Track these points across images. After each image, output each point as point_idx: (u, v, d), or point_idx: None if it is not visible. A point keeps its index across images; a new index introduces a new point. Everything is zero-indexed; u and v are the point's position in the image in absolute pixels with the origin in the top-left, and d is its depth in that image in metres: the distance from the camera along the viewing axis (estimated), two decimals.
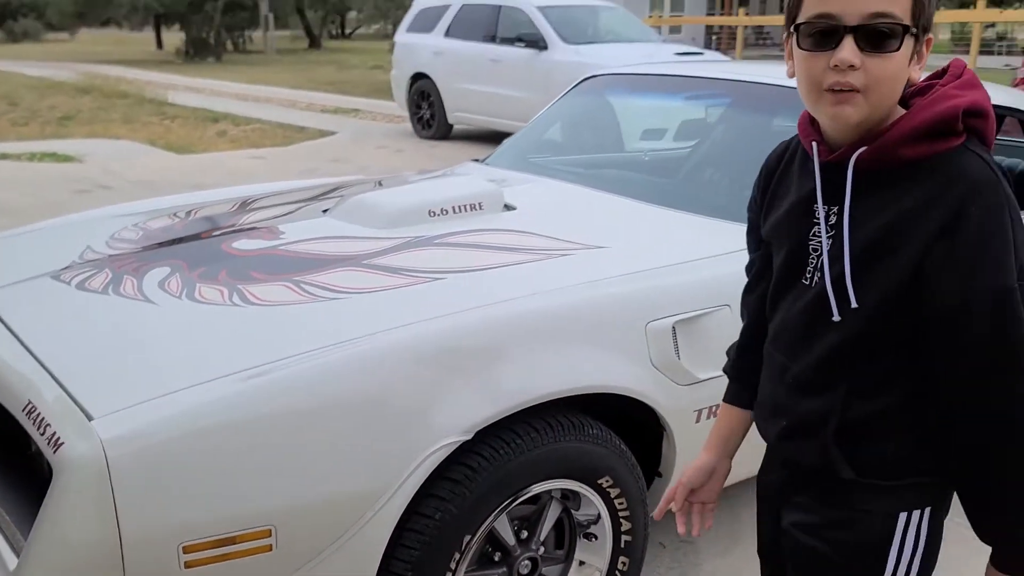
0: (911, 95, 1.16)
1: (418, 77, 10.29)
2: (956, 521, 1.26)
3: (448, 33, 10.04)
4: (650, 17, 18.47)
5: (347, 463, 1.58)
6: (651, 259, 2.12)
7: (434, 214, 2.37)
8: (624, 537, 2.02)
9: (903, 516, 1.18)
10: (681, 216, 2.45)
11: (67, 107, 13.54)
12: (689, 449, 2.07)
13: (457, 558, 1.72)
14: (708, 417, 2.06)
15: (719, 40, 21.00)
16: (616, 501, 1.96)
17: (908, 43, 1.09)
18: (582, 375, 1.81)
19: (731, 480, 2.10)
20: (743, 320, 1.44)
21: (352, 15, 36.60)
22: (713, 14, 26.70)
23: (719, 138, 2.94)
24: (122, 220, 2.54)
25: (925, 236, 1.09)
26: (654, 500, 2.17)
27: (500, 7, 9.61)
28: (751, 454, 1.44)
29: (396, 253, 2.11)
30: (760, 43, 29.94)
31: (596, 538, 2.02)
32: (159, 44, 31.54)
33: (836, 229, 1.16)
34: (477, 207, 2.43)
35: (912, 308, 1.12)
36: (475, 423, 1.66)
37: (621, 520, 2.00)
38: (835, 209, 1.16)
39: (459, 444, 1.65)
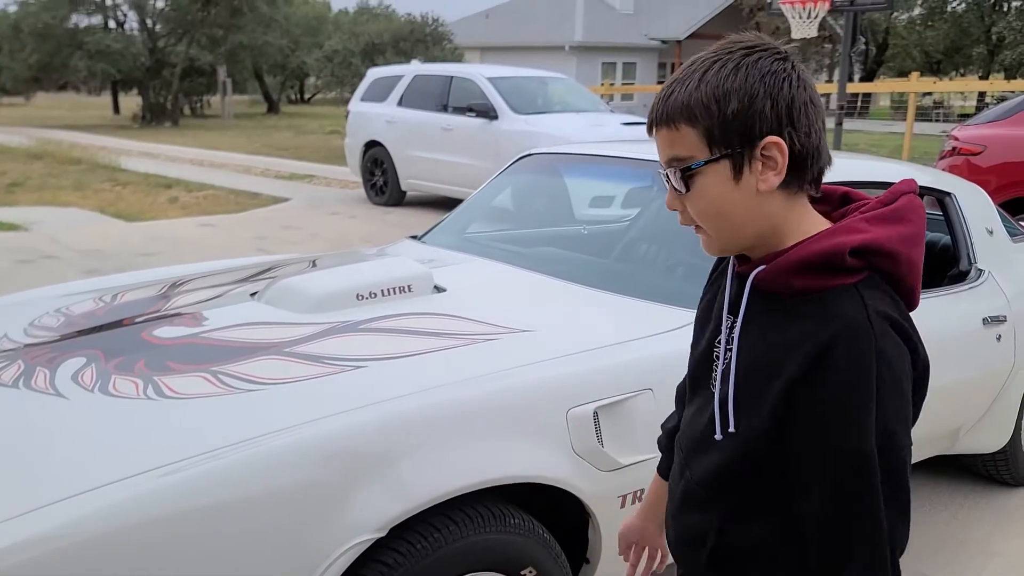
0: (853, 210, 1.13)
1: (371, 145, 10.38)
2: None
3: (401, 102, 10.17)
4: (601, 85, 18.88)
5: (258, 565, 1.55)
6: (574, 344, 2.13)
7: (362, 297, 2.37)
8: None
9: None
10: (608, 298, 2.48)
11: (16, 173, 13.39)
12: (615, 535, 2.06)
13: None
14: (633, 502, 2.06)
15: None
16: None
17: (714, 171, 1.06)
18: (500, 466, 1.80)
19: None
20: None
21: (311, 80, 36.92)
22: (663, 82, 27.35)
23: (649, 219, 2.99)
24: (45, 304, 2.50)
25: (790, 375, 1.04)
26: None
27: (452, 78, 9.79)
28: None
29: (319, 340, 2.10)
30: None
31: None
32: (116, 109, 31.46)
33: (732, 344, 1.13)
34: (406, 289, 2.44)
35: (780, 442, 1.07)
36: (389, 519, 1.64)
37: None
38: (732, 323, 1.14)
39: (373, 541, 1.63)
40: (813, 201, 1.13)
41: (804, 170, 1.07)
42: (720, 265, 1.27)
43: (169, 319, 2.25)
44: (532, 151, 3.52)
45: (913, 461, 1.26)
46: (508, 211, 3.50)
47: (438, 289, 2.52)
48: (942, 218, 3.21)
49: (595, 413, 1.97)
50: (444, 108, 9.61)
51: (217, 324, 2.20)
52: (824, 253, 1.05)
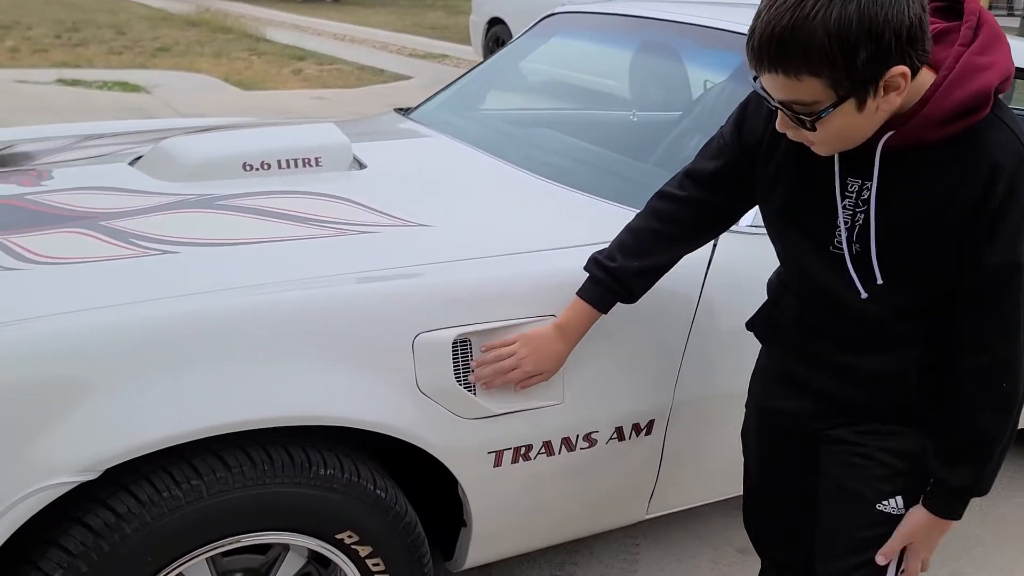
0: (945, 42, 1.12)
1: (495, 23, 9.75)
2: None
3: None
4: None
5: None
6: (470, 247, 1.61)
7: (250, 168, 1.91)
8: None
9: None
10: (574, 198, 1.92)
11: (168, 39, 13.65)
12: (486, 498, 1.58)
13: None
14: (515, 461, 1.56)
15: None
16: (369, 562, 1.49)
17: (839, 110, 1.07)
18: (285, 401, 1.33)
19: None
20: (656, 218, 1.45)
21: None
22: None
23: (696, 108, 2.35)
24: None
25: (958, 213, 1.12)
26: (461, 551, 1.69)
27: None
28: None
29: (150, 215, 1.67)
30: None
31: None
32: None
33: (866, 206, 1.18)
34: (312, 163, 1.96)
35: (938, 280, 1.19)
36: (103, 457, 1.22)
37: None
38: (868, 184, 1.17)
39: (74, 484, 1.22)
40: None
41: (919, 70, 1.09)
42: (767, 130, 1.28)
43: (6, 175, 1.88)
44: (561, 8, 2.89)
45: None
46: (525, 84, 2.92)
47: (361, 165, 2.03)
48: None
49: (459, 342, 1.45)
50: None
51: (57, 186, 1.82)
52: (972, 99, 1.08)
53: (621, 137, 2.46)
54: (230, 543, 1.38)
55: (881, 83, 1.05)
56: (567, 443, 1.59)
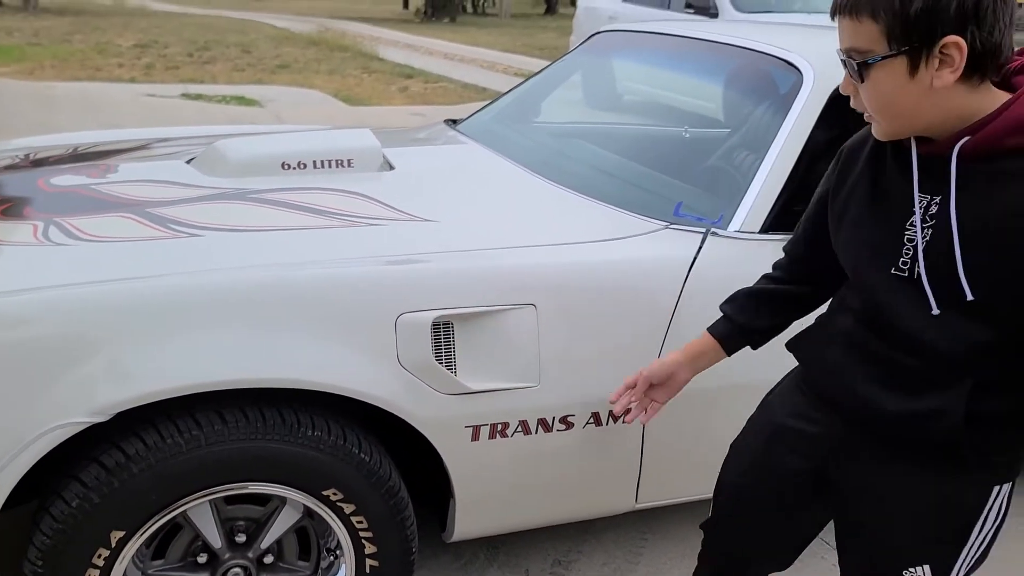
0: (1015, 71, 1.13)
1: None
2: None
3: None
4: None
5: None
6: (465, 241, 1.75)
7: (288, 167, 2.12)
8: (369, 562, 1.70)
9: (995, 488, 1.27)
10: (586, 203, 2.04)
11: (289, 57, 14.39)
12: (466, 471, 1.71)
13: (105, 555, 1.50)
14: (492, 436, 1.69)
15: None
16: (353, 519, 1.65)
17: (891, 66, 1.09)
18: (273, 365, 1.50)
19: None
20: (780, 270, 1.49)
21: None
22: None
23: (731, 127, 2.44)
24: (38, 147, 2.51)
25: None
26: (451, 522, 1.82)
27: None
28: None
29: (190, 204, 1.89)
30: None
31: (339, 556, 1.72)
32: (405, 3, 32.94)
33: (938, 219, 1.14)
34: (345, 164, 2.16)
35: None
36: (113, 403, 1.42)
37: (363, 542, 1.68)
38: (936, 199, 1.15)
39: (89, 425, 1.42)
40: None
41: (984, 67, 1.09)
42: (850, 156, 1.29)
43: (76, 168, 2.14)
44: (607, 28, 3.02)
45: None
46: (571, 100, 3.05)
47: (391, 167, 2.21)
48: None
49: (439, 323, 1.60)
50: (667, 4, 8.88)
51: (119, 178, 2.07)
52: None
53: (647, 150, 2.56)
54: (227, 490, 1.56)
55: (935, 48, 1.06)
56: (544, 424, 1.71)
